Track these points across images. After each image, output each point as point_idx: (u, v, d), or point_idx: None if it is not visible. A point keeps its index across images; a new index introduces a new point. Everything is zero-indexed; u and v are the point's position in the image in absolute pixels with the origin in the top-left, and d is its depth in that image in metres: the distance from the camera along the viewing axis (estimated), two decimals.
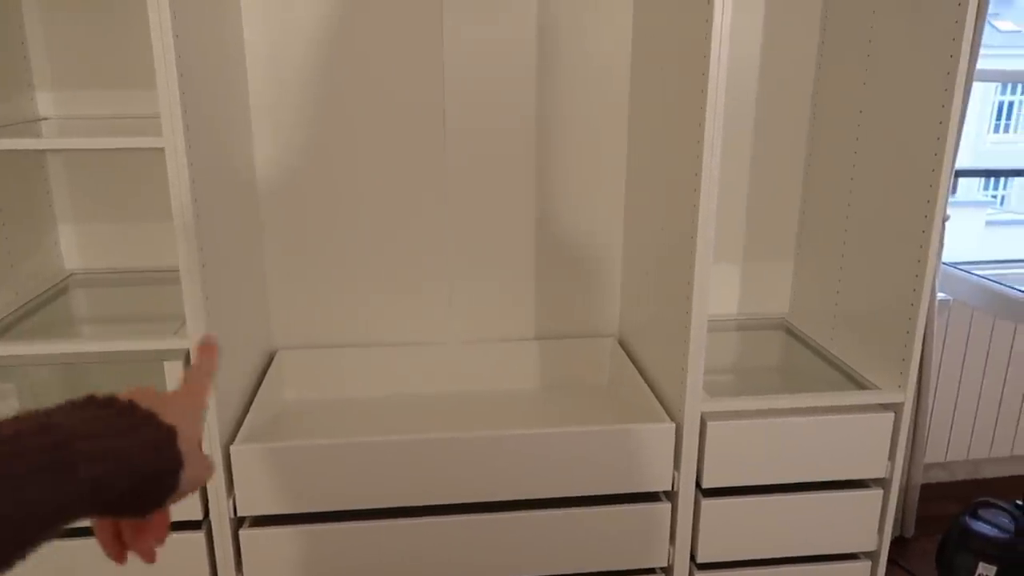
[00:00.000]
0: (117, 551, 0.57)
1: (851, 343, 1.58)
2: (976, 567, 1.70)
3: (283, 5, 1.53)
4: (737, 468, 1.41)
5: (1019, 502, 1.78)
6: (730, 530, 1.44)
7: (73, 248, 1.61)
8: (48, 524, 0.45)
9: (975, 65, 1.61)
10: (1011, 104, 10.03)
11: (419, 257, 1.71)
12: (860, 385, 1.48)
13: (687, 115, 1.33)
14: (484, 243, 1.72)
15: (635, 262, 1.68)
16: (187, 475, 0.53)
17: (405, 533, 1.37)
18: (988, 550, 1.71)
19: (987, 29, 1.64)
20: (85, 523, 0.51)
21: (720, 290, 1.80)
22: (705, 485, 1.41)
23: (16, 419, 0.47)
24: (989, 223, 6.18)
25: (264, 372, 1.61)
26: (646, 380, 1.58)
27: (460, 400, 1.68)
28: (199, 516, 1.33)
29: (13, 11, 1.47)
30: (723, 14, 1.21)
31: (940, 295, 2.01)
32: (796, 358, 1.70)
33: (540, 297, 1.77)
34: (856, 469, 1.45)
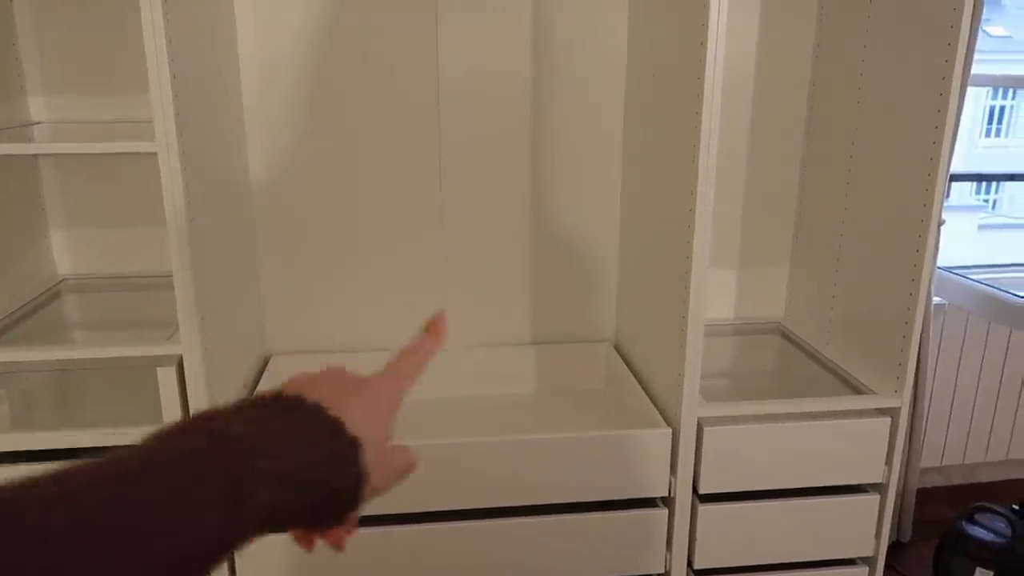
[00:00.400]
0: (306, 540, 0.51)
1: (847, 347, 1.58)
2: (973, 572, 1.70)
3: (276, 10, 1.52)
4: (734, 473, 1.41)
5: (1015, 507, 1.78)
6: (727, 536, 1.43)
7: (65, 253, 1.60)
8: (214, 559, 0.39)
9: (970, 70, 1.62)
10: (1002, 109, 10.09)
11: (413, 261, 1.70)
12: (856, 390, 1.48)
13: (683, 120, 1.32)
14: (479, 248, 1.71)
15: (631, 267, 1.68)
16: (373, 485, 0.47)
17: (399, 540, 1.36)
18: (985, 555, 1.71)
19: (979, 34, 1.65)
20: None
21: (715, 295, 1.80)
22: (702, 491, 1.40)
23: (189, 426, 0.41)
24: (982, 227, 6.20)
25: (259, 377, 1.60)
26: (642, 385, 1.57)
27: (455, 405, 1.67)
28: None
29: (5, 15, 1.46)
30: (719, 18, 1.21)
31: (935, 299, 2.01)
32: (792, 363, 1.70)
33: (535, 302, 1.76)
34: (853, 474, 1.44)
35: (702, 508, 1.41)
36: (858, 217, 1.53)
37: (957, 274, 2.02)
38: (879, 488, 1.46)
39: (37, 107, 1.52)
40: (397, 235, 1.68)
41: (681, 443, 1.38)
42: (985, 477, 2.28)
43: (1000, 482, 2.29)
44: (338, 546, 0.51)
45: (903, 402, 1.41)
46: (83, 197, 1.58)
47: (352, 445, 0.45)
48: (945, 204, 1.47)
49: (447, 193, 1.67)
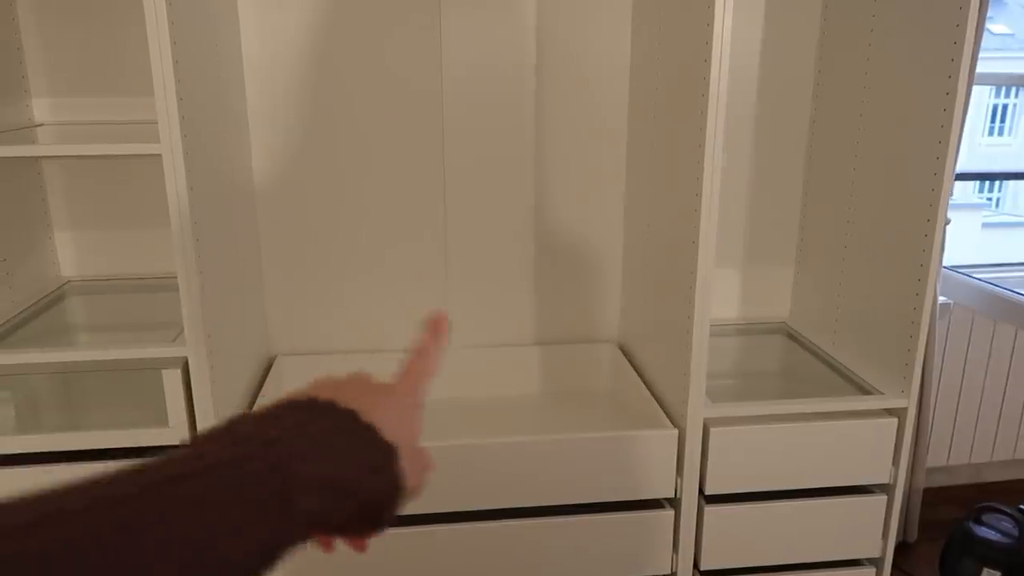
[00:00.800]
0: (326, 543, 0.50)
1: (853, 347, 1.57)
2: (980, 572, 1.69)
3: (279, 11, 1.52)
4: (740, 474, 1.40)
5: (1023, 507, 1.77)
6: (734, 537, 1.43)
7: (69, 255, 1.60)
8: (259, 572, 0.38)
9: (975, 68, 1.61)
10: (1005, 107, 10.07)
11: (417, 262, 1.70)
12: (862, 390, 1.47)
13: (688, 120, 1.32)
14: (483, 248, 1.71)
15: (635, 267, 1.67)
16: (407, 492, 0.47)
17: (403, 542, 1.35)
18: (992, 555, 1.70)
19: None
20: None
21: (720, 294, 1.80)
22: (708, 491, 1.40)
23: (225, 432, 0.40)
24: (985, 225, 6.19)
25: (263, 379, 1.60)
26: (647, 385, 1.57)
27: (460, 407, 1.67)
28: None
29: (9, 17, 1.46)
30: (724, 18, 1.21)
31: (941, 299, 2.01)
32: (797, 363, 1.70)
33: (539, 302, 1.76)
34: (860, 475, 1.44)
35: (708, 509, 1.40)
36: (863, 216, 1.53)
37: (963, 273, 2.01)
38: (886, 489, 1.45)
39: (41, 109, 1.52)
40: (401, 236, 1.68)
41: (687, 444, 1.37)
42: (991, 477, 2.28)
43: (1007, 482, 2.28)
44: (361, 547, 0.50)
45: (910, 402, 1.40)
46: (87, 199, 1.58)
47: (388, 452, 0.45)
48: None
49: (451, 194, 1.66)
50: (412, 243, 1.68)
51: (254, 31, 1.53)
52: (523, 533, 1.37)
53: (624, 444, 1.36)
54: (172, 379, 1.23)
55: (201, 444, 0.40)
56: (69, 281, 1.60)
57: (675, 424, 1.40)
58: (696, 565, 1.45)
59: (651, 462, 1.38)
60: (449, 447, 1.32)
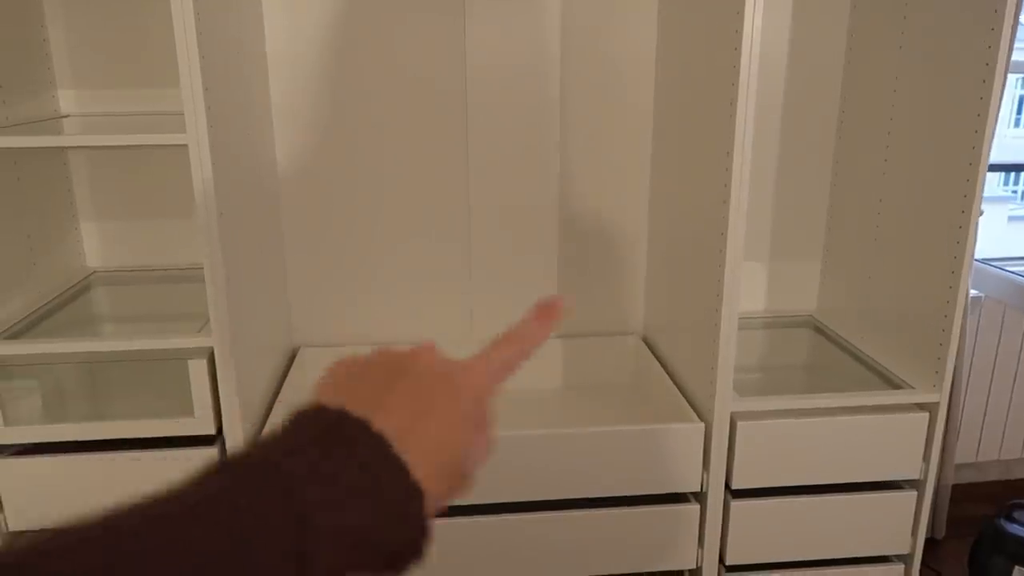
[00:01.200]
0: None
1: (881, 341, 1.55)
2: (1012, 571, 1.66)
3: (303, 4, 1.51)
4: (767, 469, 1.38)
5: None
6: (760, 532, 1.41)
7: (95, 246, 1.61)
8: None
9: (1010, 57, 1.57)
10: None
11: (440, 254, 1.69)
12: (892, 384, 1.45)
13: (716, 112, 1.30)
14: (507, 240, 1.70)
15: (660, 259, 1.66)
16: (444, 504, 0.40)
17: None
18: None
19: None
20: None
21: (746, 287, 1.78)
22: (734, 486, 1.38)
23: (235, 468, 0.34)
24: (1012, 218, 6.09)
25: (287, 369, 1.60)
26: (672, 379, 1.55)
27: None
28: None
29: (35, 9, 1.46)
30: (754, 8, 1.18)
31: (971, 292, 1.97)
32: (824, 356, 1.67)
33: (564, 293, 1.75)
34: (889, 470, 1.42)
35: (734, 504, 1.39)
36: (894, 208, 1.50)
37: (995, 266, 1.97)
38: (916, 485, 1.43)
39: (67, 100, 1.53)
40: (424, 228, 1.67)
41: (714, 438, 1.36)
42: (1021, 473, 2.24)
43: None
44: None
45: (942, 397, 1.38)
46: (113, 190, 1.58)
47: (415, 494, 0.37)
48: None
49: (474, 186, 1.65)
50: (435, 235, 1.67)
51: (278, 24, 1.52)
52: (548, 526, 1.37)
53: (650, 437, 1.35)
54: (198, 369, 1.23)
55: (204, 483, 0.35)
56: (95, 272, 1.60)
57: (702, 418, 1.39)
58: (721, 559, 1.43)
59: (677, 456, 1.36)
60: None
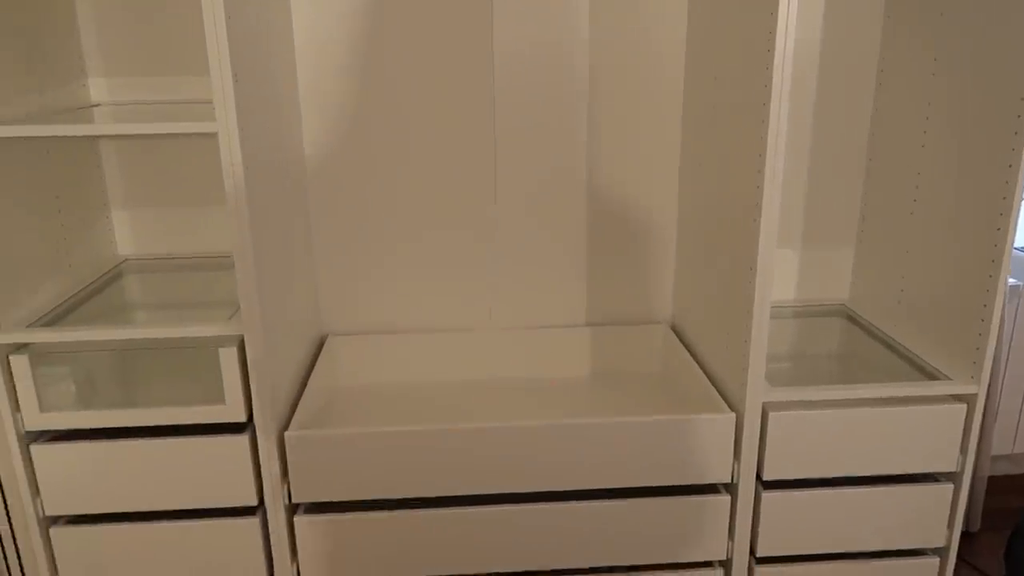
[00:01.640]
0: None
1: (917, 331, 1.51)
2: None
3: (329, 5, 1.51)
4: (800, 460, 1.36)
5: None
6: (791, 524, 1.40)
7: (127, 234, 1.62)
8: None
9: None
10: None
11: (467, 240, 1.68)
12: (927, 374, 1.42)
13: (749, 96, 1.27)
14: (534, 226, 1.68)
15: (689, 246, 1.63)
16: None
17: (456, 521, 1.35)
18: None
19: None
20: None
21: (777, 275, 1.75)
22: (766, 477, 1.36)
23: None
24: None
25: (315, 356, 1.60)
26: (702, 368, 1.53)
27: (511, 388, 1.66)
28: (254, 503, 1.33)
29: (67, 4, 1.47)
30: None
31: (1010, 280, 1.93)
32: (858, 346, 1.64)
33: (591, 281, 1.73)
34: (925, 462, 1.39)
35: (766, 495, 1.37)
36: (931, 194, 1.46)
37: None
38: (952, 477, 1.40)
39: (98, 88, 1.53)
40: (451, 214, 1.66)
41: (745, 428, 1.34)
42: None
43: None
44: None
45: (980, 389, 1.35)
46: (143, 178, 1.59)
47: None
48: None
49: (501, 171, 1.64)
50: (461, 222, 1.67)
51: (306, 10, 1.51)
52: (575, 516, 1.36)
53: (680, 428, 1.34)
54: (228, 357, 1.24)
55: None
56: (126, 260, 1.62)
57: (732, 408, 1.37)
58: (752, 551, 1.42)
59: (708, 446, 1.35)
60: (500, 428, 1.31)
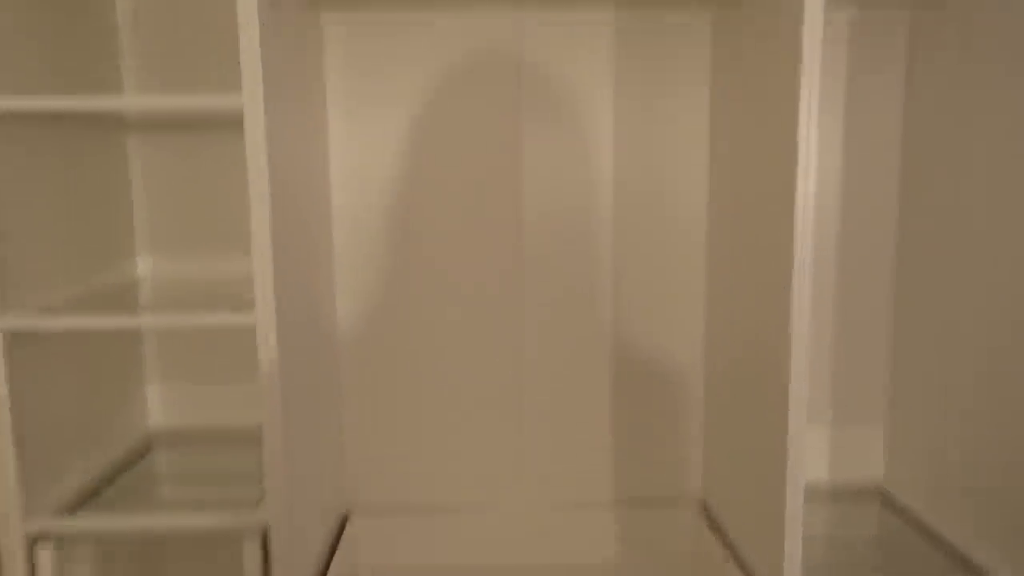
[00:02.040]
0: None
1: (958, 516, 1.46)
2: None
3: (368, 159, 1.59)
4: None
5: None
6: None
7: (158, 406, 1.65)
8: None
9: None
10: None
11: (493, 411, 1.68)
12: (972, 569, 1.35)
13: (772, 267, 1.28)
14: (560, 398, 1.68)
15: (718, 418, 1.62)
16: None
17: None
18: None
19: None
20: None
21: (808, 453, 1.72)
22: None
23: None
24: None
25: (338, 536, 1.58)
26: (734, 553, 1.48)
27: (538, 573, 1.61)
28: None
29: (121, 177, 1.56)
30: (808, 162, 1.18)
31: None
32: (895, 533, 1.58)
33: (618, 453, 1.71)
34: None
35: None
36: (966, 363, 1.45)
37: None
38: None
39: (145, 264, 1.60)
40: (478, 387, 1.67)
41: None
42: None
43: None
44: None
45: None
46: (180, 354, 1.64)
47: None
48: None
49: (528, 342, 1.66)
50: (489, 394, 1.67)
51: (343, 180, 1.59)
52: None
53: None
54: (252, 551, 1.22)
55: None
56: (156, 432, 1.63)
57: None
58: None
59: None
60: None
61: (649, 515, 1.69)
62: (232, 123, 1.18)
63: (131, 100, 1.48)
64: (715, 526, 1.60)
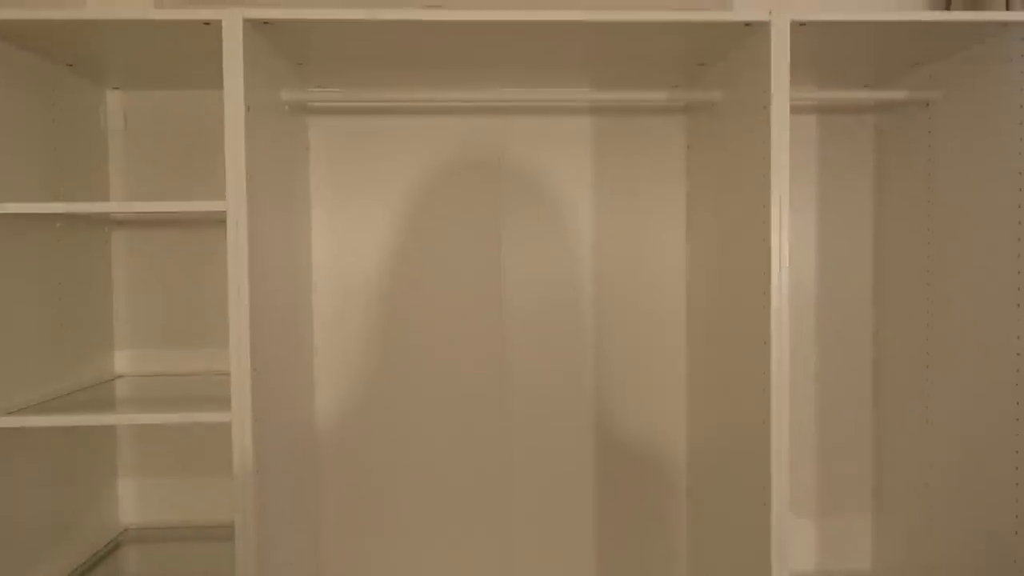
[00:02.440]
0: None
1: None
2: None
3: (350, 261, 1.62)
4: None
5: None
6: None
7: (130, 502, 1.61)
8: None
9: None
10: None
11: (480, 515, 1.66)
12: None
13: (750, 359, 1.29)
14: (545, 496, 1.66)
15: (703, 513, 1.60)
16: None
17: None
18: None
19: None
20: None
21: (794, 545, 1.69)
22: None
23: None
24: None
25: None
26: None
27: None
28: None
29: (103, 275, 1.57)
30: (781, 251, 1.21)
31: None
32: None
33: (601, 547, 1.68)
34: None
35: None
36: (947, 450, 1.45)
37: None
38: None
39: (122, 361, 1.59)
40: (463, 484, 1.65)
41: None
42: None
43: None
44: None
45: None
46: (154, 449, 1.61)
47: None
48: None
49: (515, 448, 1.65)
50: (472, 488, 1.65)
51: (326, 282, 1.61)
52: None
53: None
54: None
55: None
56: (127, 529, 1.59)
57: None
58: None
59: None
60: None
61: None
62: (215, 220, 1.19)
63: (121, 204, 1.50)
64: None
